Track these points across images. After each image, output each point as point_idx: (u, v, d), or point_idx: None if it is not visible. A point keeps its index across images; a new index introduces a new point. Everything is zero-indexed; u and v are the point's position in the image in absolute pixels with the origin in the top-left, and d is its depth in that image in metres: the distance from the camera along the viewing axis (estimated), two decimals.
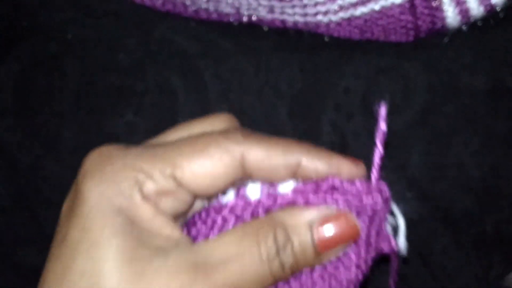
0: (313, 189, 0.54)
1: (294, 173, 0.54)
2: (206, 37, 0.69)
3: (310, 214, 0.54)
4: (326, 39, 0.67)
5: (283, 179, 0.54)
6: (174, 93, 0.68)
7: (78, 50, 0.70)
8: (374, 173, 0.55)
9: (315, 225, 0.53)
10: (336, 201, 0.54)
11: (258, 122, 0.67)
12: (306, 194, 0.54)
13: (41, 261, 0.63)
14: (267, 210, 0.54)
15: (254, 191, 0.55)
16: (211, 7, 0.67)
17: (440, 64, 0.67)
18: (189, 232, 0.55)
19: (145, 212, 0.52)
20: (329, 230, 0.53)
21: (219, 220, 0.55)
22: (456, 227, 0.66)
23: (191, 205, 0.55)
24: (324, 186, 0.54)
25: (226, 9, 0.67)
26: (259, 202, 0.54)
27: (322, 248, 0.53)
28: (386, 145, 0.67)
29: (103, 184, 0.52)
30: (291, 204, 0.54)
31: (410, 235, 0.66)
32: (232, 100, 0.68)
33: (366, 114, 0.67)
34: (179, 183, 0.53)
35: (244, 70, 0.68)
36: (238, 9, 0.67)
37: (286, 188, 0.54)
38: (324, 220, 0.53)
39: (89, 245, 0.51)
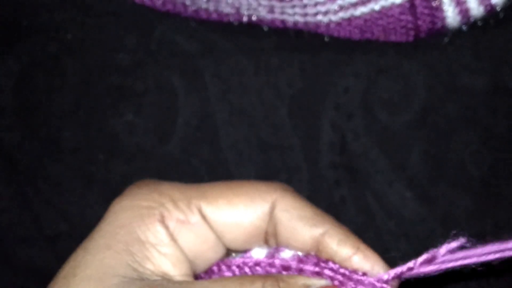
0: (314, 262, 0.52)
1: (317, 243, 0.52)
2: (206, 37, 0.69)
3: (309, 280, 0.51)
4: (326, 39, 0.67)
5: (304, 245, 0.53)
6: (174, 93, 0.68)
7: (78, 50, 0.70)
8: (389, 275, 0.52)
9: None
10: (332, 279, 0.52)
11: (258, 122, 0.67)
12: (305, 264, 0.52)
13: (41, 261, 0.64)
14: (266, 271, 0.53)
15: (258, 253, 0.54)
16: (211, 7, 0.67)
17: (440, 64, 0.67)
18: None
19: (155, 236, 0.51)
20: None
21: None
22: (456, 227, 0.66)
23: (211, 248, 0.54)
24: (325, 263, 0.52)
25: (226, 9, 0.67)
26: (259, 261, 0.53)
27: None
28: (386, 146, 0.67)
29: (127, 204, 0.52)
30: (289, 269, 0.52)
31: (410, 235, 0.66)
32: (232, 100, 0.68)
33: (366, 114, 0.67)
34: (204, 217, 0.52)
35: (244, 70, 0.68)
36: (238, 9, 0.67)
37: (287, 255, 0.53)
38: None
39: (95, 252, 0.51)
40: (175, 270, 0.52)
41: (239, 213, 0.53)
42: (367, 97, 0.67)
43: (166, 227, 0.52)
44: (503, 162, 0.66)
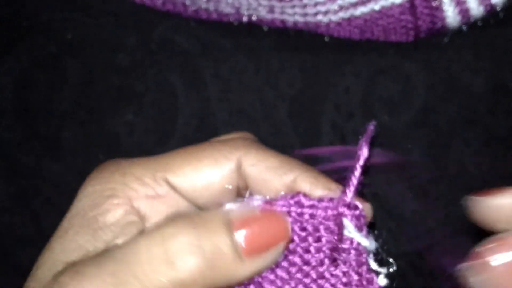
0: (280, 198, 0.51)
1: (290, 189, 0.52)
2: (206, 37, 0.69)
3: (228, 213, 0.48)
4: (326, 39, 0.68)
5: (277, 194, 0.52)
6: (174, 93, 0.68)
7: (78, 50, 0.70)
8: (348, 192, 0.53)
9: (234, 224, 0.48)
10: (289, 213, 0.51)
11: (258, 122, 0.67)
12: (274, 204, 0.51)
13: None
14: None
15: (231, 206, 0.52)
16: (211, 7, 0.67)
17: (440, 64, 0.67)
18: None
19: (111, 214, 0.51)
20: (251, 230, 0.48)
21: None
22: (456, 227, 0.66)
23: None
24: (289, 197, 0.52)
25: (226, 9, 0.67)
26: None
27: (247, 251, 0.47)
28: (386, 146, 0.67)
29: (89, 190, 0.53)
30: None
31: (410, 235, 0.66)
32: (232, 100, 0.68)
33: (366, 114, 0.67)
34: (172, 187, 0.53)
35: (244, 70, 0.68)
36: (238, 9, 0.67)
37: (258, 200, 0.51)
38: (245, 219, 0.48)
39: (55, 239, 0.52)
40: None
41: (206, 177, 0.53)
42: (367, 97, 0.67)
43: (131, 207, 0.52)
44: (503, 162, 0.66)
